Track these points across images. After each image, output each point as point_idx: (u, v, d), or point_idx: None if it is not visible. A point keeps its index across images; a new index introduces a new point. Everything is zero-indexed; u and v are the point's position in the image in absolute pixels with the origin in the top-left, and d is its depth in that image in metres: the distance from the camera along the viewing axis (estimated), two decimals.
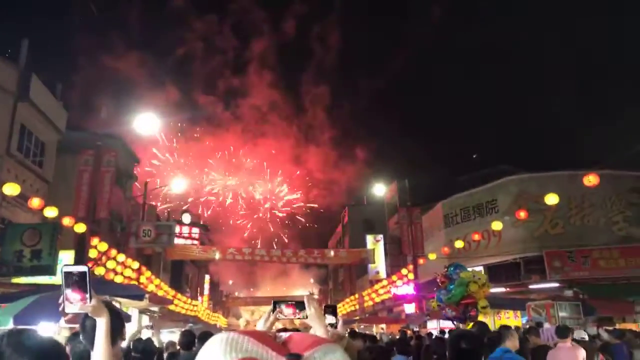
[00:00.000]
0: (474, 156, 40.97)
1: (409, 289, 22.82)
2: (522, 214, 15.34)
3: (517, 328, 8.61)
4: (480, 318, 8.54)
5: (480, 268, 20.21)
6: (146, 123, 16.18)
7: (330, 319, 2.00)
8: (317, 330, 1.69)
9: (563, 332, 6.65)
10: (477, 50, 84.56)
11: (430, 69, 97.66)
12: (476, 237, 18.38)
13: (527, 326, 9.56)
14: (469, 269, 10.12)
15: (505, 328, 4.71)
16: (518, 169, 22.19)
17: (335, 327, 2.04)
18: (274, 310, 1.73)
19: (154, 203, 25.82)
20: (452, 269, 9.71)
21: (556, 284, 16.62)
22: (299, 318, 1.76)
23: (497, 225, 16.50)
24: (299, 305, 1.78)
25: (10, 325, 6.78)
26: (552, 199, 12.75)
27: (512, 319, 16.06)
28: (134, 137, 18.27)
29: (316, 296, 60.37)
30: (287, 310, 1.75)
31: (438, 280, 9.94)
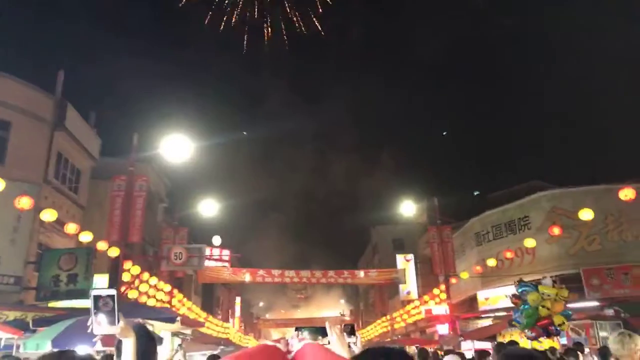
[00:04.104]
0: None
1: (441, 309, 22.40)
2: (556, 230, 14.99)
3: (554, 349, 8.35)
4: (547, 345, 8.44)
5: (512, 287, 19.77)
6: (178, 147, 16.39)
7: (349, 338, 1.99)
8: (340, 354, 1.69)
9: (606, 355, 6.30)
10: (506, 61, 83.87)
11: (455, 81, 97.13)
12: (509, 254, 17.99)
13: (566, 348, 9.27)
14: (540, 285, 9.73)
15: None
16: (550, 184, 21.72)
17: (355, 344, 2.03)
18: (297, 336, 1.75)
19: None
20: (520, 289, 9.67)
21: (596, 303, 16.06)
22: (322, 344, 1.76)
23: (530, 243, 16.15)
24: (321, 331, 1.79)
25: (48, 348, 6.95)
26: (586, 214, 12.45)
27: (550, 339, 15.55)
28: (166, 161, 18.59)
29: (347, 317, 59.74)
30: (310, 337, 1.76)
31: (511, 301, 9.97)
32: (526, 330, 9.40)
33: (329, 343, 1.75)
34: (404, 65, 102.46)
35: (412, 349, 26.00)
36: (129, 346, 1.91)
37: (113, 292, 1.92)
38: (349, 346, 1.88)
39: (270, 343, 1.56)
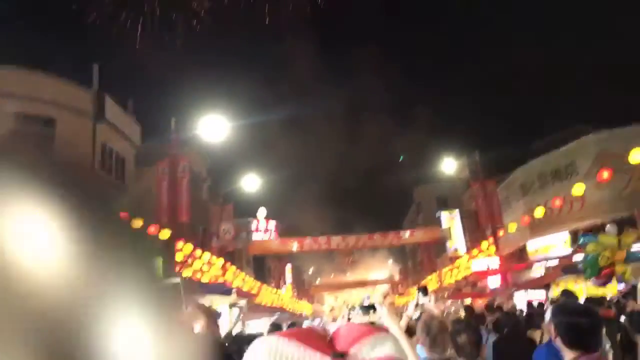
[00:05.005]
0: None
1: (491, 263, 22.27)
2: (605, 174, 14.48)
3: (606, 297, 8.29)
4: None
5: (567, 234, 19.36)
6: (215, 127, 16.71)
7: (423, 299, 2.17)
8: (392, 328, 1.76)
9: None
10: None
11: (493, 29, 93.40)
12: (557, 202, 17.57)
13: (624, 292, 9.15)
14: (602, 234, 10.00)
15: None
16: (597, 126, 20.81)
17: (430, 302, 2.21)
18: (349, 311, 1.84)
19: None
20: (582, 240, 9.92)
21: None
22: (372, 322, 1.86)
23: (578, 189, 15.67)
24: (371, 308, 1.88)
25: None
26: (637, 155, 11.94)
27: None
28: (206, 141, 18.95)
29: (396, 278, 60.25)
30: (362, 313, 1.85)
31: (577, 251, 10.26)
32: (593, 279, 9.58)
33: (379, 318, 1.83)
34: (438, 20, 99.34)
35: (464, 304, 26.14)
36: (199, 329, 2.05)
37: (177, 280, 2.06)
38: (420, 307, 2.06)
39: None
